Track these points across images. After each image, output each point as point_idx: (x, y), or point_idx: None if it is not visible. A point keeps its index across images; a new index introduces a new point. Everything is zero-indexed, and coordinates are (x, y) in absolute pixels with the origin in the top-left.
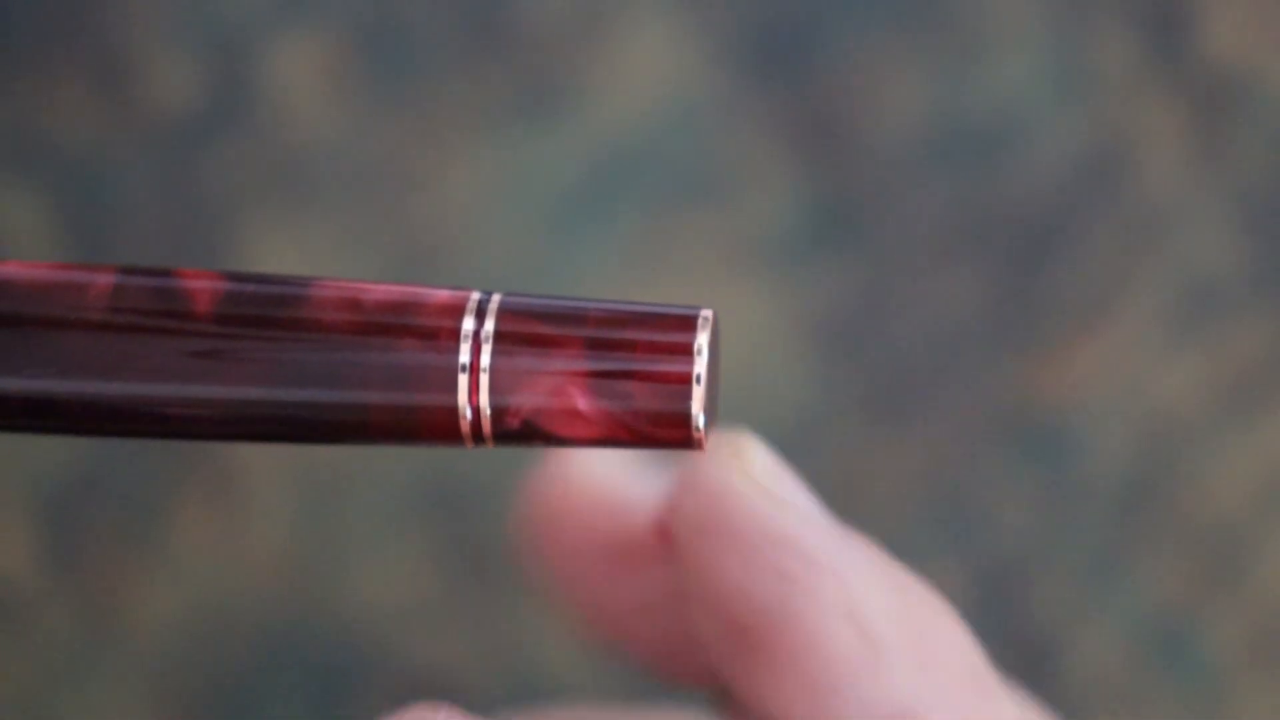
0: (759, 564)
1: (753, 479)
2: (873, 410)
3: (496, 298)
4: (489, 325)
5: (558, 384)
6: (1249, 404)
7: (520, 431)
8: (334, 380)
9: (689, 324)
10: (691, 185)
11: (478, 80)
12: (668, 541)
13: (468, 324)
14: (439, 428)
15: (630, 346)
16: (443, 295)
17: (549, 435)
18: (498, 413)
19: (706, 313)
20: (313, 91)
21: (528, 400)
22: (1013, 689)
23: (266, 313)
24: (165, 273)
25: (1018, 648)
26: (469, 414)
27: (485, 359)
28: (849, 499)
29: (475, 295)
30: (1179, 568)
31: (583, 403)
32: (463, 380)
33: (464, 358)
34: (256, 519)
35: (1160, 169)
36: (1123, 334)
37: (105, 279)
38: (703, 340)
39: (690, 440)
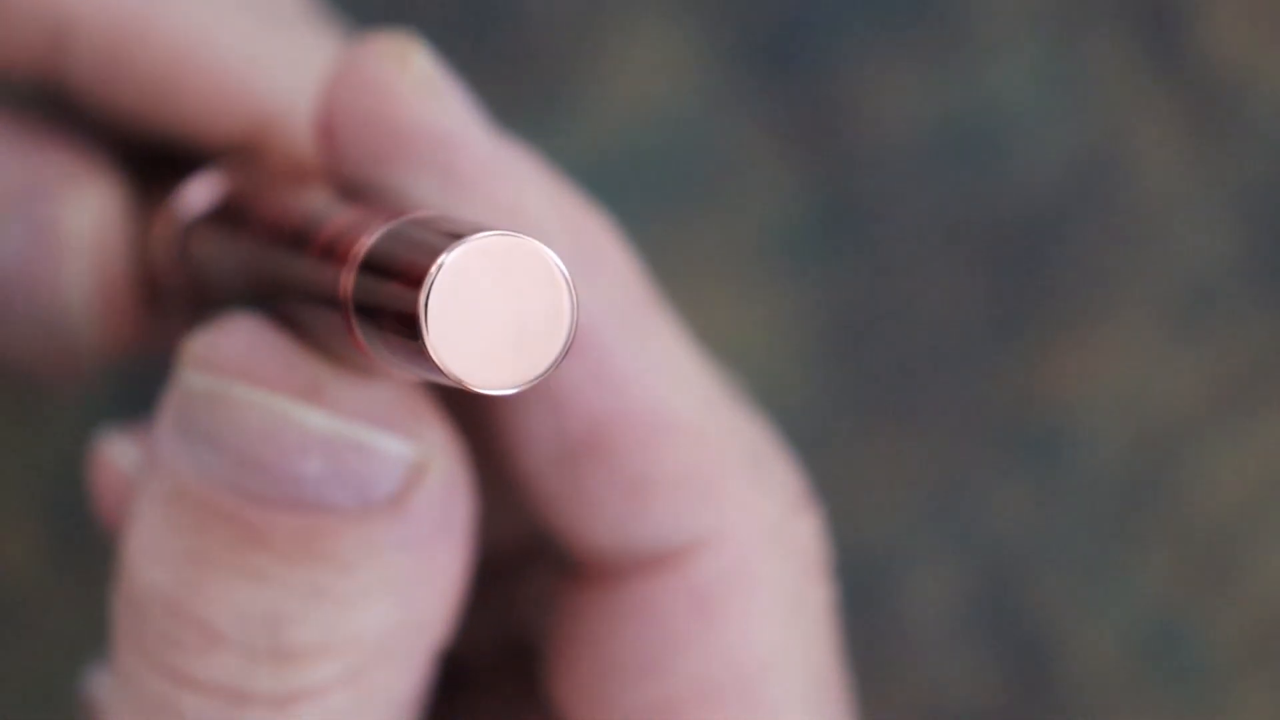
0: (423, 162)
1: (414, 78)
2: (873, 410)
3: (369, 241)
4: (350, 280)
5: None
6: (1248, 404)
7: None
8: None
9: (420, 277)
10: (691, 185)
11: (477, 81)
12: (330, 139)
13: (347, 277)
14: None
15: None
16: (345, 243)
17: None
18: (378, 351)
19: (456, 253)
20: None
21: (386, 352)
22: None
23: (329, 245)
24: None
25: (1017, 648)
26: (368, 353)
27: (352, 309)
28: (849, 499)
29: (363, 242)
30: (1177, 568)
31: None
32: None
33: (346, 299)
34: None
35: (1158, 169)
36: (1121, 334)
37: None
38: (423, 301)
39: (470, 392)
